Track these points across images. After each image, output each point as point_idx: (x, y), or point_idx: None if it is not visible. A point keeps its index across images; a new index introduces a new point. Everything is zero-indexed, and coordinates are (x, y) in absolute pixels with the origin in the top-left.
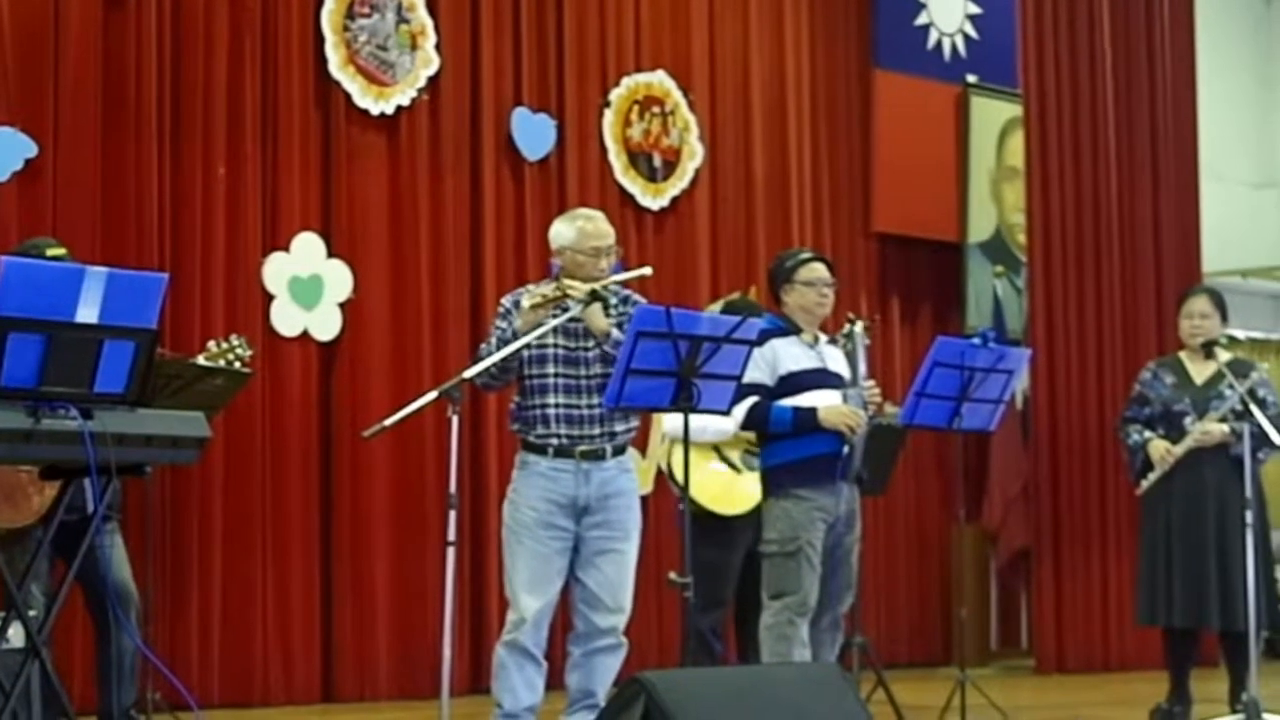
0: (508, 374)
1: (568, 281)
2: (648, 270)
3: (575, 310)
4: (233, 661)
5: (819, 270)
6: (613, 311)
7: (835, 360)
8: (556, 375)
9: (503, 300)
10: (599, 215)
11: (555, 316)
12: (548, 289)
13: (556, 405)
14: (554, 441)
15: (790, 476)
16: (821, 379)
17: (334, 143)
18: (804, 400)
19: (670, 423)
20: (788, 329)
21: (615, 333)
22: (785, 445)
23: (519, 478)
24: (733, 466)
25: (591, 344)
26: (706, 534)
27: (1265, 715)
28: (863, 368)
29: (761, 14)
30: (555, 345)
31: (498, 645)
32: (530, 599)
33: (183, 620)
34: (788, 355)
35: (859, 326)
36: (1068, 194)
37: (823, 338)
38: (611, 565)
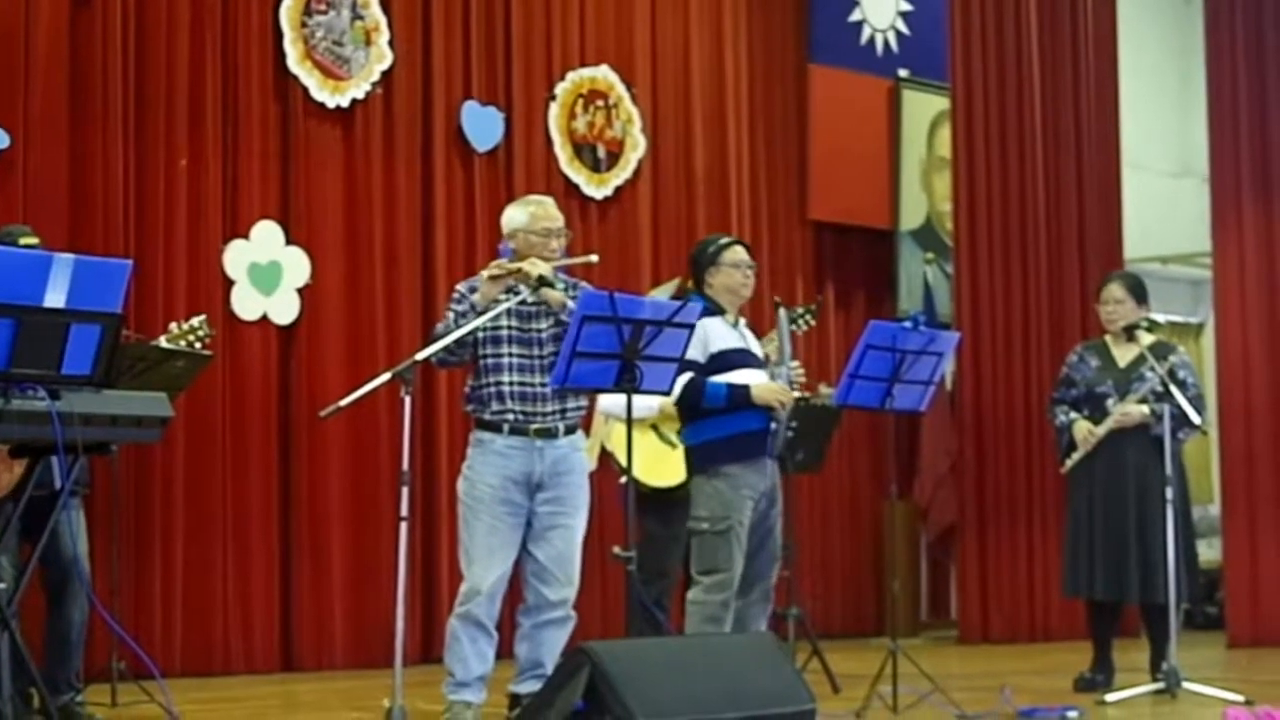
0: (464, 349)
1: (529, 261)
2: (594, 258)
3: (524, 294)
4: (195, 632)
5: (741, 253)
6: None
7: (753, 342)
8: (510, 355)
9: (458, 286)
10: (549, 200)
11: (507, 299)
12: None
13: (511, 383)
14: (509, 418)
15: (720, 453)
16: (746, 359)
17: (292, 134)
18: (732, 378)
19: (603, 402)
20: (713, 310)
21: (570, 304)
22: (715, 422)
23: (475, 455)
24: (668, 442)
25: (544, 325)
26: (646, 508)
27: (1184, 683)
28: (788, 349)
29: (701, 11)
30: (509, 327)
31: (451, 617)
32: (486, 572)
33: (146, 592)
34: (716, 334)
35: (783, 310)
36: (994, 184)
37: (742, 320)
38: (562, 539)
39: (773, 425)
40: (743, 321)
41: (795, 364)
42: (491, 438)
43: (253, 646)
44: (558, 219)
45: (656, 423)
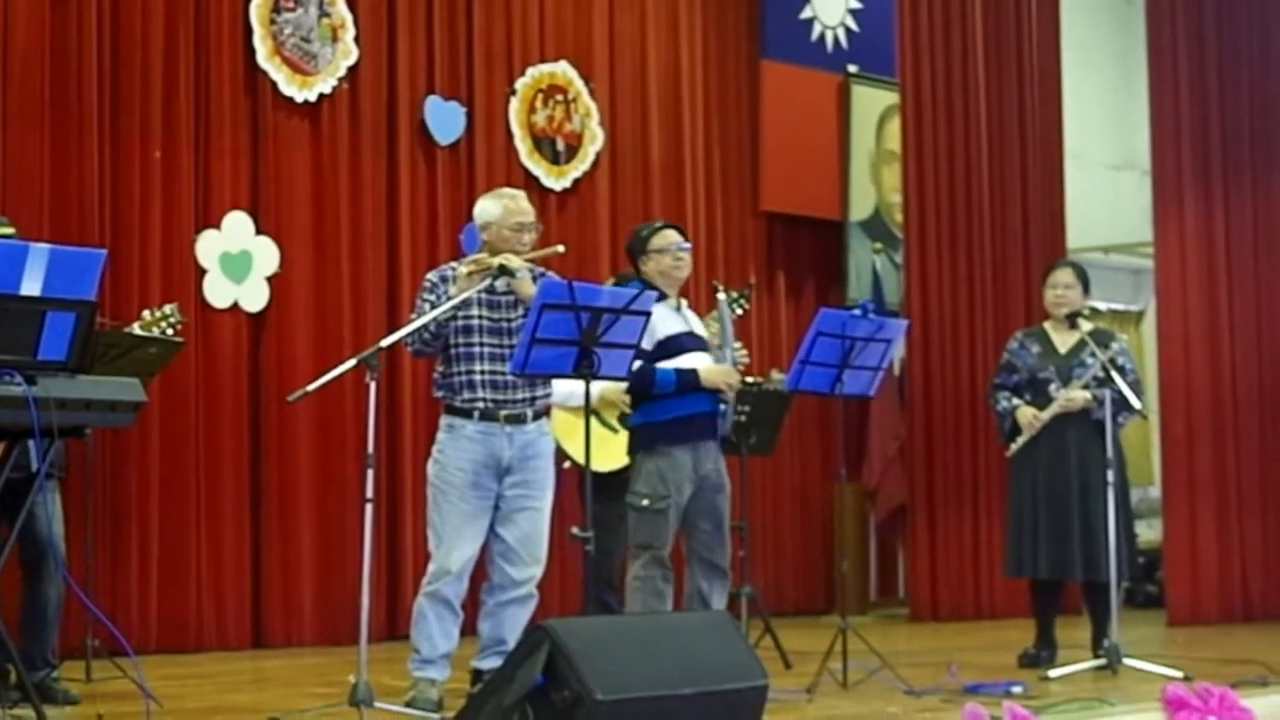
0: (439, 339)
1: (504, 256)
2: (560, 249)
3: (488, 282)
4: (169, 610)
5: (672, 236)
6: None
7: (696, 324)
8: (482, 344)
9: (429, 275)
10: (521, 194)
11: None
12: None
13: (482, 372)
14: (480, 405)
15: (665, 434)
16: (691, 342)
17: (262, 128)
18: (681, 363)
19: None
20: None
21: None
22: (663, 405)
23: (445, 440)
24: (609, 427)
25: (514, 315)
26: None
27: (1125, 660)
28: (729, 331)
29: (657, 8)
30: (480, 316)
31: (419, 596)
32: (457, 553)
33: (122, 572)
34: (662, 320)
35: (722, 294)
36: (941, 176)
37: (683, 302)
38: (529, 521)
39: (721, 407)
40: (684, 303)
41: (738, 345)
42: (462, 423)
43: (224, 624)
44: (529, 213)
45: (597, 409)
